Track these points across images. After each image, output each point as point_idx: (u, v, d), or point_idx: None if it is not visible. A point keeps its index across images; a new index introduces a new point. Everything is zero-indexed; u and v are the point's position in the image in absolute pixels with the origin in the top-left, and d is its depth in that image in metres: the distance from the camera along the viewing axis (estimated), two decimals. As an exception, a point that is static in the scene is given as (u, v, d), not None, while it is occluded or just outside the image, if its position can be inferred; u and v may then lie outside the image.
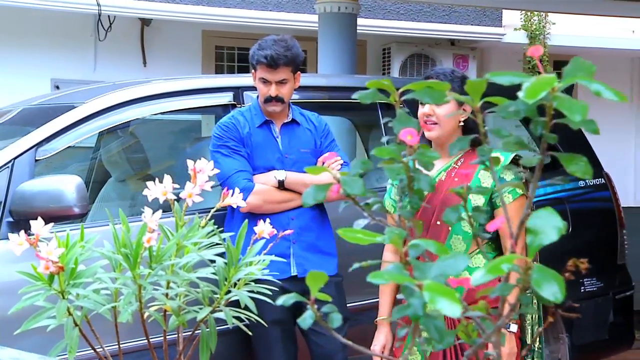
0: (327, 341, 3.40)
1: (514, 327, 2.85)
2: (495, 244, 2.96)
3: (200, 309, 1.77)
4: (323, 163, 3.48)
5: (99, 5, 7.21)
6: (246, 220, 1.99)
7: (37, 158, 3.40)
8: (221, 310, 1.77)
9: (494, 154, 1.13)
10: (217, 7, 7.63)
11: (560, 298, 0.92)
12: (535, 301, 2.46)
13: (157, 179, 1.77)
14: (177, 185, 1.79)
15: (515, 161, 2.78)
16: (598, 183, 4.61)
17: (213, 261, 1.78)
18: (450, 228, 2.88)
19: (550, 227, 0.96)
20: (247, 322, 1.87)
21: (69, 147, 3.56)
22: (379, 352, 2.98)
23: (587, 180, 4.47)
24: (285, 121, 3.57)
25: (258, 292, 1.83)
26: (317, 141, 3.58)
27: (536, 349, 3.05)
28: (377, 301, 3.12)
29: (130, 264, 1.67)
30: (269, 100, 3.48)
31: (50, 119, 3.53)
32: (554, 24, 8.69)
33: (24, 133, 3.48)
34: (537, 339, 3.05)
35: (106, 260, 1.74)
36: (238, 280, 1.80)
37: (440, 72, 3.06)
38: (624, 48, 9.00)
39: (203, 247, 1.78)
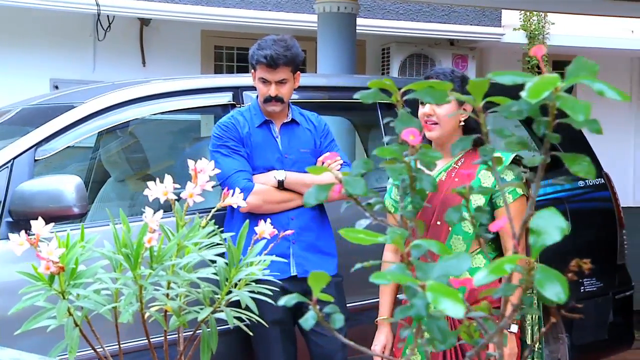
0: (327, 341, 3.40)
1: (514, 328, 2.84)
2: (495, 244, 2.95)
3: (201, 309, 1.76)
4: (323, 163, 3.48)
5: (98, 5, 7.20)
6: (247, 221, 1.99)
7: (36, 158, 3.40)
8: (222, 311, 1.77)
9: (496, 154, 1.13)
10: (216, 7, 7.62)
11: (564, 298, 0.92)
12: (535, 301, 2.45)
13: (156, 179, 1.77)
14: (177, 185, 1.78)
15: (515, 161, 2.77)
16: (598, 183, 4.61)
17: (214, 261, 1.77)
18: (450, 228, 2.87)
19: (553, 227, 0.95)
20: (247, 322, 1.87)
21: (68, 147, 3.56)
22: (379, 352, 2.98)
23: (586, 181, 4.47)
24: (284, 121, 3.56)
25: (259, 293, 1.83)
26: (316, 141, 3.58)
27: (536, 349, 3.05)
28: (377, 301, 3.12)
29: (131, 264, 1.67)
30: (268, 100, 3.48)
31: (49, 119, 3.53)
32: (553, 24, 8.69)
33: (23, 133, 3.48)
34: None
35: (107, 260, 1.74)
36: (239, 281, 1.80)
37: (440, 72, 3.05)
38: (624, 48, 8.99)
39: (204, 247, 1.78)
